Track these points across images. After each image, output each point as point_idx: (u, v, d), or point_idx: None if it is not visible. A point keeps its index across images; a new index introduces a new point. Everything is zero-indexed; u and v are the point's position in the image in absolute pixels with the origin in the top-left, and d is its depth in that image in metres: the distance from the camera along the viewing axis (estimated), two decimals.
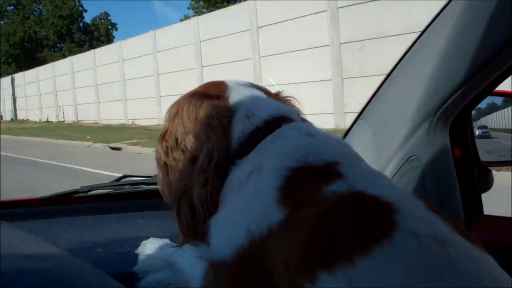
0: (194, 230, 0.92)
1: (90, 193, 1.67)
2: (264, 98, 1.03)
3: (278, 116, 0.97)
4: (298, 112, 1.07)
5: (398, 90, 1.30)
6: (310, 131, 0.93)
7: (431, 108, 1.20)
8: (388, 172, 1.30)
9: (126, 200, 1.71)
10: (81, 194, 1.67)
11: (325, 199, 0.77)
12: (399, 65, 1.28)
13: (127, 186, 1.71)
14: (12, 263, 0.94)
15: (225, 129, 0.95)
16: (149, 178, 1.73)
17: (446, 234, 0.72)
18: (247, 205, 0.85)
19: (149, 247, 1.12)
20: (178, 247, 0.98)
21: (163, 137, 1.01)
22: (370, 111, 1.39)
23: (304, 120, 1.05)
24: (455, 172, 1.25)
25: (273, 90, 1.14)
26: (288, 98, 1.10)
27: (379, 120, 1.36)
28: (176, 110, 1.01)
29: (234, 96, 1.01)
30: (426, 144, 1.24)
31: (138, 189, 1.70)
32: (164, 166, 1.01)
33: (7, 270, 0.89)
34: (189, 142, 0.96)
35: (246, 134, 0.95)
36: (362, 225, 0.72)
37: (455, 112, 1.19)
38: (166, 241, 1.15)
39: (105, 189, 1.72)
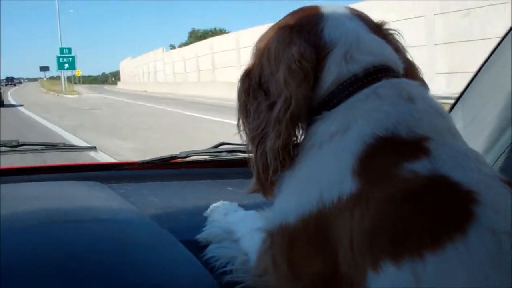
0: (265, 181, 0.87)
1: (188, 158, 1.69)
2: (366, 35, 0.89)
3: (379, 65, 0.85)
4: (403, 53, 0.93)
5: (502, 69, 1.19)
6: (411, 95, 0.81)
7: None
8: (496, 149, 1.21)
9: (221, 167, 1.71)
10: (179, 160, 1.69)
11: (402, 179, 0.71)
12: (501, 45, 1.18)
13: (224, 154, 1.71)
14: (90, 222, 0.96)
15: (307, 75, 0.84)
16: (246, 146, 1.70)
17: None
18: (324, 169, 0.80)
19: (216, 211, 1.13)
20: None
21: (247, 74, 0.93)
22: (470, 93, 1.30)
23: (412, 68, 0.93)
24: None
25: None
26: (391, 33, 0.95)
27: (480, 102, 1.26)
28: (264, 46, 0.91)
29: (330, 30, 0.88)
30: None
31: (234, 156, 1.69)
32: (243, 106, 0.93)
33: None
34: (272, 84, 0.87)
35: (341, 81, 0.84)
36: (437, 216, 0.67)
37: None
38: (233, 205, 1.14)
39: (203, 155, 1.73)
